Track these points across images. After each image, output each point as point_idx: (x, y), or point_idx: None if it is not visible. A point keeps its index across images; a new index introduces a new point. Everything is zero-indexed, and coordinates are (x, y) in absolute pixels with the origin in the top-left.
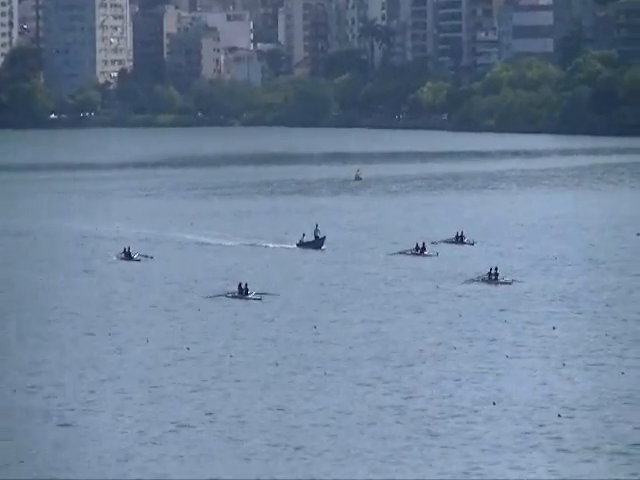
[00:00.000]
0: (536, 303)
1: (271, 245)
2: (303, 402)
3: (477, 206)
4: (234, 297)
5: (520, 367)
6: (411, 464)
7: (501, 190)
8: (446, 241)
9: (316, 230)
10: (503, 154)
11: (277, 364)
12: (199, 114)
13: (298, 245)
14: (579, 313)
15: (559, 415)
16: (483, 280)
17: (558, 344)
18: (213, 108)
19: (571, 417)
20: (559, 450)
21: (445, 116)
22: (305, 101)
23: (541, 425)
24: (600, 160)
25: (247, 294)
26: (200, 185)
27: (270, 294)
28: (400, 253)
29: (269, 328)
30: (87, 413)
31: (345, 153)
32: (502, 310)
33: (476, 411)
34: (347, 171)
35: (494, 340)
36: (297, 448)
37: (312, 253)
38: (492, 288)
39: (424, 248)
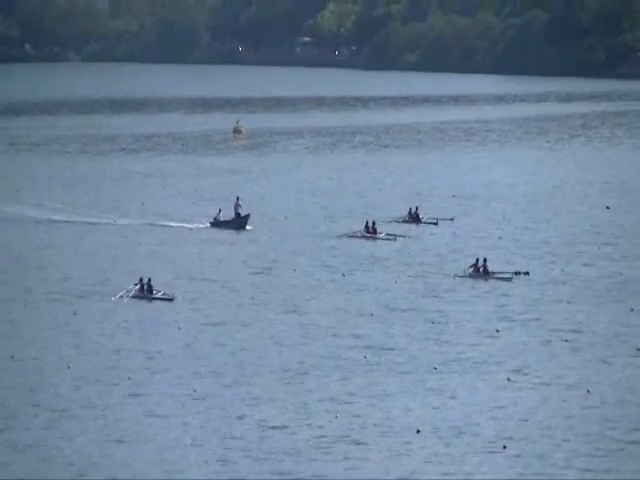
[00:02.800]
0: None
1: (174, 224)
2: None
3: (413, 170)
4: (134, 297)
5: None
6: None
7: (432, 149)
8: (397, 220)
9: (237, 205)
10: (432, 101)
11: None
12: (26, 46)
13: (213, 224)
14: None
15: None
16: (470, 274)
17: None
18: (44, 38)
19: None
20: None
21: (354, 49)
22: (166, 30)
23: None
24: (558, 109)
25: (151, 292)
26: (20, 140)
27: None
28: (349, 236)
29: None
30: None
31: (220, 99)
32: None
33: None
34: (224, 122)
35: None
36: None
37: (232, 235)
38: (483, 285)
39: (375, 229)
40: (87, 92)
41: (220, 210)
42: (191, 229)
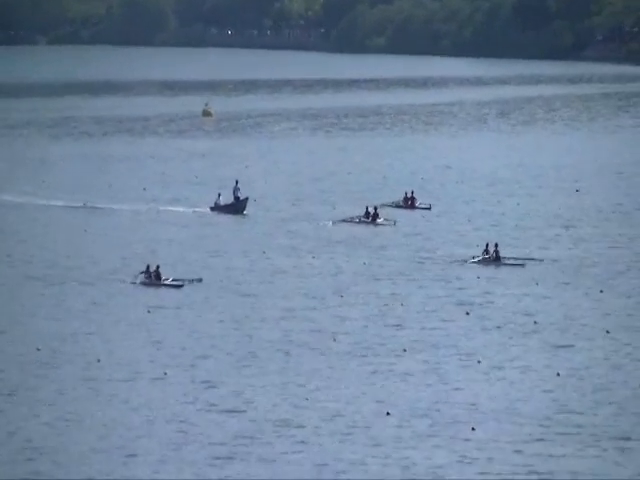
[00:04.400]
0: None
1: (180, 209)
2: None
3: (395, 152)
4: (143, 284)
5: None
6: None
7: (401, 131)
8: (392, 205)
9: (235, 189)
10: (400, 84)
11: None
12: None
13: (213, 208)
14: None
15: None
16: (481, 260)
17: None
18: (10, 21)
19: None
20: None
21: (322, 32)
22: (134, 12)
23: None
24: (525, 92)
25: (160, 279)
26: None
27: (190, 280)
28: (345, 221)
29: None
30: None
31: (189, 81)
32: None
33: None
34: (192, 104)
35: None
36: None
37: (231, 220)
38: (497, 272)
39: (376, 214)
40: (54, 75)
41: (220, 194)
42: (198, 213)
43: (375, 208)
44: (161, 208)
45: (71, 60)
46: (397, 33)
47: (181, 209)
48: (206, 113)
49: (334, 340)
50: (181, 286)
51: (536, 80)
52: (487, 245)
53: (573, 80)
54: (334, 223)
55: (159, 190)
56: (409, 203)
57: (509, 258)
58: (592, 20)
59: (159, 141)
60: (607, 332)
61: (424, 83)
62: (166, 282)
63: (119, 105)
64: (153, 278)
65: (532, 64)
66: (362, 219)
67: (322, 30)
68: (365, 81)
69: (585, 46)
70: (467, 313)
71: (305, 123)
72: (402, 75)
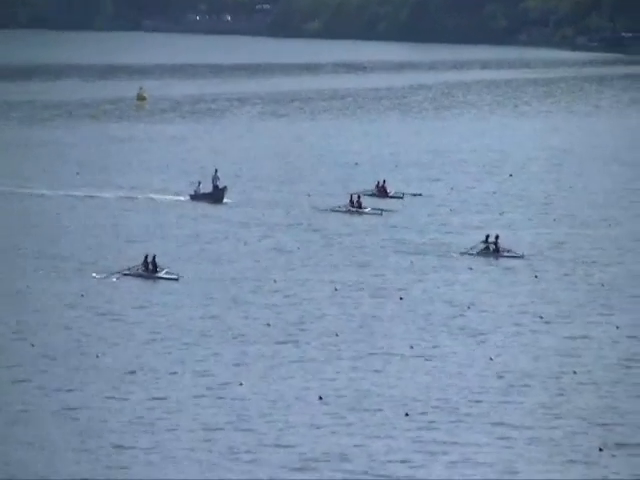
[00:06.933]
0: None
1: (155, 197)
2: None
3: (354, 138)
4: (138, 275)
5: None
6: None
7: (336, 116)
8: (364, 193)
9: (215, 177)
10: (336, 68)
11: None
12: None
13: (192, 197)
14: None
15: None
16: (480, 252)
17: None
18: None
19: None
20: None
21: (257, 17)
22: None
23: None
24: (460, 76)
25: (156, 271)
26: None
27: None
28: (333, 210)
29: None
30: None
31: (124, 65)
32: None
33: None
34: (127, 89)
35: None
36: None
37: (210, 209)
38: (493, 264)
39: (360, 203)
40: None
41: (200, 182)
42: (177, 201)
43: (358, 196)
44: (140, 196)
45: (7, 44)
46: (332, 17)
47: (161, 197)
48: (140, 97)
49: (268, 325)
50: (176, 279)
51: (471, 64)
52: (487, 237)
53: (509, 64)
54: (322, 211)
55: (93, 175)
56: (382, 192)
57: (508, 250)
58: (526, 4)
59: (91, 125)
60: (541, 317)
61: (360, 68)
62: (161, 275)
63: (53, 89)
64: (150, 270)
65: (467, 48)
66: (348, 208)
67: (258, 15)
68: (299, 66)
69: (519, 30)
70: (400, 298)
71: (246, 107)
72: (338, 59)
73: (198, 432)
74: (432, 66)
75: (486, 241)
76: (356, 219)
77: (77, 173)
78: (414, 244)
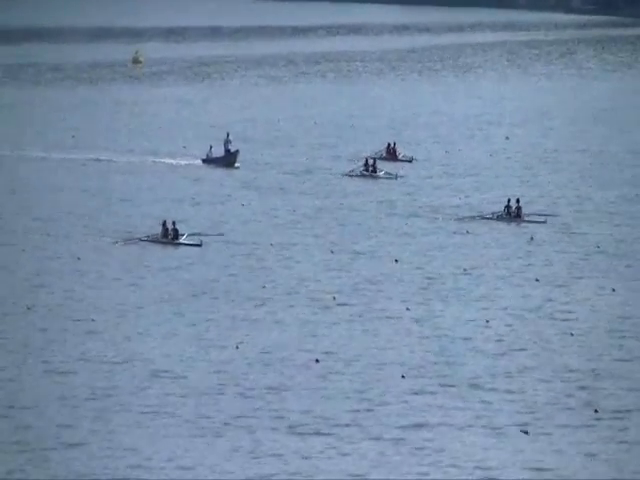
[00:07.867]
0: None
1: (170, 161)
2: None
3: (356, 99)
4: (157, 241)
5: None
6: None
7: (333, 79)
8: (374, 156)
9: (227, 141)
10: (329, 30)
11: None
12: None
13: (205, 161)
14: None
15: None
16: (500, 217)
17: None
18: None
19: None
20: None
21: None
22: None
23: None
24: (454, 39)
25: (177, 238)
26: None
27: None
28: (348, 175)
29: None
30: None
31: (120, 28)
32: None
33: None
34: (121, 52)
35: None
36: None
37: (223, 172)
38: (518, 230)
39: (375, 167)
40: None
41: (211, 147)
42: (190, 165)
43: (374, 160)
44: (153, 160)
45: (1, 7)
46: None
47: (174, 161)
48: (136, 60)
49: (264, 287)
50: (199, 245)
51: (462, 28)
52: (509, 200)
53: (504, 27)
54: (336, 175)
55: (94, 140)
56: (392, 155)
57: (531, 214)
58: None
59: (87, 88)
60: (536, 280)
61: (354, 30)
62: (182, 240)
63: (46, 52)
64: (170, 236)
65: (462, 11)
66: (362, 172)
67: None
68: (292, 28)
69: None
70: (396, 260)
71: (241, 71)
72: (331, 22)
73: (191, 397)
74: (427, 29)
75: (507, 205)
76: (371, 184)
77: (72, 136)
78: (430, 207)
